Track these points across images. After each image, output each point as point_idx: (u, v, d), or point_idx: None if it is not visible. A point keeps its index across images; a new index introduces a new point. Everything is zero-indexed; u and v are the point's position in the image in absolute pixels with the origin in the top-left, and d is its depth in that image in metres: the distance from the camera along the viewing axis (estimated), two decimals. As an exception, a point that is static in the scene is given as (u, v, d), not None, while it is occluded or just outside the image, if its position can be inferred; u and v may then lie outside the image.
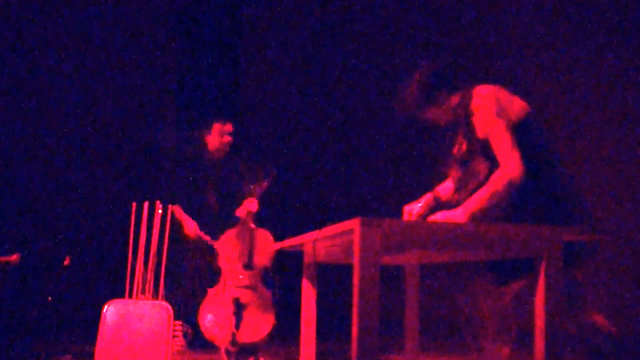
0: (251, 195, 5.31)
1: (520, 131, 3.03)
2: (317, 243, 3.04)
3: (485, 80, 3.35)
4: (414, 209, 3.34)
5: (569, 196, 3.05)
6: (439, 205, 3.29)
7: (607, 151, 6.11)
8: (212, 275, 5.21)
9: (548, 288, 2.54)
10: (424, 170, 3.61)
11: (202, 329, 4.89)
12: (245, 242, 5.05)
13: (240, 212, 5.33)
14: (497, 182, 2.92)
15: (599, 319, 3.05)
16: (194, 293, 5.32)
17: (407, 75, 3.40)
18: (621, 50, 6.00)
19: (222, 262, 5.12)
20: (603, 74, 6.14)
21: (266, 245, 5.12)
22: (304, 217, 8.37)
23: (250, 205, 5.26)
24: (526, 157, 2.98)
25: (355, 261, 2.40)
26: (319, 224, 2.85)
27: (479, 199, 2.92)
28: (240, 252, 5.03)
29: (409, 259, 3.42)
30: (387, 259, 3.34)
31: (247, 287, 4.86)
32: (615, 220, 5.94)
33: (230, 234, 5.22)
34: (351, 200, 8.74)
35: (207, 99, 9.09)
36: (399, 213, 3.39)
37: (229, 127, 5.70)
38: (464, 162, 3.20)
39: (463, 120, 3.17)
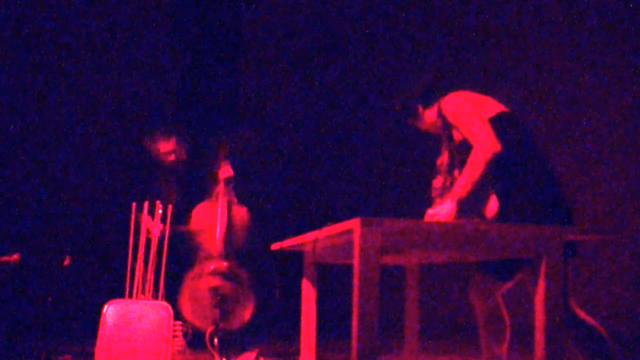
0: (221, 160, 4.98)
1: (494, 127, 3.07)
2: (317, 243, 3.04)
3: (483, 81, 3.38)
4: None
5: (550, 194, 3.06)
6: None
7: (607, 151, 6.11)
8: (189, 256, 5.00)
9: (548, 288, 2.54)
10: (424, 171, 3.62)
11: (183, 315, 4.82)
12: (222, 220, 4.85)
13: (217, 181, 4.98)
14: (475, 164, 2.99)
15: (581, 313, 3.07)
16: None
17: (405, 77, 3.49)
18: (621, 51, 6.00)
19: (199, 240, 4.92)
20: (603, 74, 6.14)
21: (243, 224, 4.95)
22: (304, 217, 8.38)
23: (225, 170, 4.97)
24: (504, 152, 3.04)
25: (355, 261, 2.40)
26: (319, 224, 2.85)
27: (462, 186, 3.01)
28: (219, 232, 4.83)
29: (409, 259, 3.42)
30: (387, 259, 3.34)
31: (225, 275, 4.74)
32: (615, 220, 5.94)
33: (206, 207, 4.96)
34: (351, 200, 8.74)
35: (208, 99, 9.09)
36: (399, 213, 3.39)
37: (164, 147, 5.26)
38: (445, 172, 3.28)
39: (443, 131, 3.27)
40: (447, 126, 3.27)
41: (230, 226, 4.92)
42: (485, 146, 2.99)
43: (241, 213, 5.01)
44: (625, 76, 5.98)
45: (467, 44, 7.53)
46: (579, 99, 6.33)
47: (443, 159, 3.33)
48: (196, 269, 4.86)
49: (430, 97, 3.36)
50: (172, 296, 5.07)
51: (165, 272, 4.70)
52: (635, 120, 5.91)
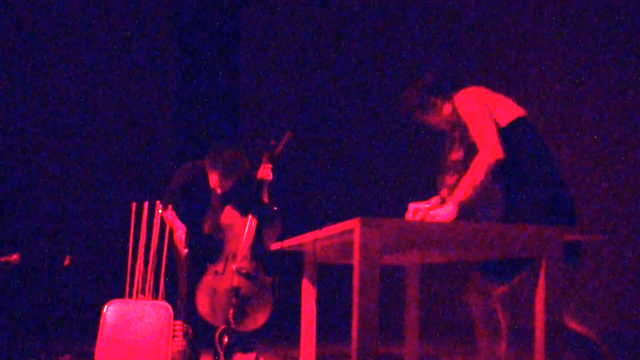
0: (264, 163, 4.91)
1: (509, 133, 3.06)
2: (317, 243, 3.04)
3: (485, 81, 3.36)
4: (420, 208, 3.28)
5: (563, 196, 3.06)
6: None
7: (607, 151, 6.11)
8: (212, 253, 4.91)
9: (548, 288, 2.54)
10: (424, 170, 3.62)
11: (198, 308, 4.76)
12: (252, 220, 4.77)
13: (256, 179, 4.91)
14: (477, 169, 2.97)
15: (573, 324, 3.07)
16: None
17: (407, 77, 3.44)
18: (621, 51, 6.00)
19: (226, 235, 4.86)
20: (603, 74, 6.14)
21: (274, 226, 4.88)
22: (304, 217, 8.38)
23: (264, 172, 4.90)
24: (519, 158, 3.03)
25: (355, 261, 2.40)
26: (319, 224, 2.85)
27: (463, 190, 2.97)
28: (248, 232, 4.77)
29: (409, 259, 3.42)
30: (387, 259, 3.34)
31: (248, 276, 4.66)
32: (615, 220, 5.94)
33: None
34: (351, 200, 8.74)
35: (207, 99, 9.09)
36: (399, 213, 3.38)
37: (215, 180, 4.94)
38: (461, 169, 3.23)
39: (458, 126, 3.22)
40: (461, 119, 3.20)
41: (260, 227, 4.85)
42: (488, 153, 2.96)
43: (274, 215, 4.91)
44: (625, 76, 5.98)
45: (467, 44, 7.53)
46: (579, 99, 6.33)
47: (457, 155, 3.27)
48: (219, 265, 4.79)
49: (449, 89, 3.29)
50: (172, 296, 5.05)
51: (165, 272, 4.69)
52: (635, 120, 5.92)
